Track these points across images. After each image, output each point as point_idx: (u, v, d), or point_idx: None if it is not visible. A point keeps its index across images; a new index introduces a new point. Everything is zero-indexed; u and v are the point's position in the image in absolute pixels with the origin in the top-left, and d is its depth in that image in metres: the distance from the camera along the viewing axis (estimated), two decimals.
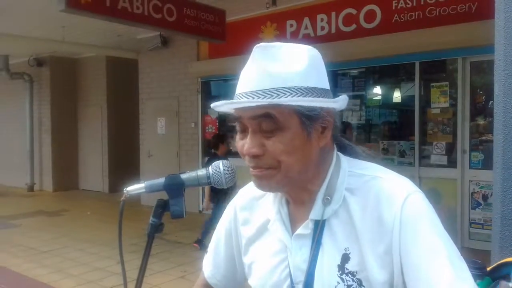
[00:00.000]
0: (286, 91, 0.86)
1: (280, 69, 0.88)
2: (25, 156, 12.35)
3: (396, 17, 6.47)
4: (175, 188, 1.00)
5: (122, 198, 1.00)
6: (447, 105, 6.16)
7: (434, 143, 6.26)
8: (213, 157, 5.87)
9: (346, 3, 6.94)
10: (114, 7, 5.61)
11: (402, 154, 6.58)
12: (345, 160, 0.99)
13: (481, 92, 6.02)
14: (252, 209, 1.11)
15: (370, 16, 6.72)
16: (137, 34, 9.25)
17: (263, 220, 1.06)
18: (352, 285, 0.89)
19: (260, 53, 0.90)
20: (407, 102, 6.69)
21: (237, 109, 0.92)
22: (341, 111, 0.98)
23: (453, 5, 5.96)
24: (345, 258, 0.91)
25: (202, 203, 8.93)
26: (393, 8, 6.49)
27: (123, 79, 11.32)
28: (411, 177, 0.94)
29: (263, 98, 0.86)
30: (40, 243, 6.77)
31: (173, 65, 9.34)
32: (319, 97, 0.90)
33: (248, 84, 0.89)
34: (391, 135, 6.94)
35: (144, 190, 1.01)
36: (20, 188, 12.36)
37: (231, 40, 7.48)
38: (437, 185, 6.18)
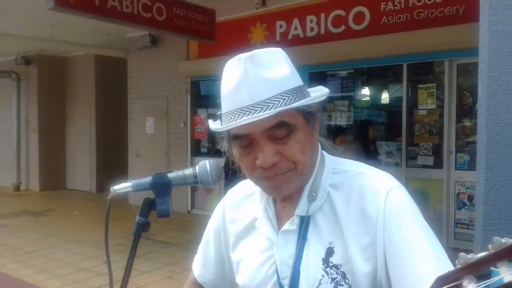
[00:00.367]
0: (290, 94, 0.88)
1: (275, 74, 0.88)
2: (11, 156, 12.19)
3: (385, 19, 6.52)
4: (162, 187, 1.01)
5: (108, 197, 1.00)
6: (434, 106, 6.23)
7: (421, 144, 6.32)
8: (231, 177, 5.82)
9: (335, 4, 6.98)
10: (103, 6, 5.57)
11: (389, 155, 6.64)
12: (328, 157, 1.02)
13: (468, 94, 6.10)
14: (240, 208, 1.12)
15: (359, 17, 6.77)
16: (126, 33, 9.19)
17: (251, 219, 1.07)
18: (336, 278, 0.91)
19: (250, 63, 0.87)
20: (394, 103, 6.75)
21: (244, 126, 0.87)
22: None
23: (441, 7, 6.03)
24: (330, 252, 0.93)
25: (191, 203, 8.94)
26: (382, 10, 6.54)
27: (112, 78, 11.23)
28: (398, 178, 0.96)
29: (275, 107, 0.85)
30: (26, 243, 6.70)
31: (162, 64, 9.29)
32: (309, 93, 0.94)
33: (246, 98, 0.86)
34: (379, 136, 7.00)
35: (131, 189, 1.01)
36: (6, 187, 12.21)
37: (220, 40, 7.46)
38: (423, 186, 6.25)
